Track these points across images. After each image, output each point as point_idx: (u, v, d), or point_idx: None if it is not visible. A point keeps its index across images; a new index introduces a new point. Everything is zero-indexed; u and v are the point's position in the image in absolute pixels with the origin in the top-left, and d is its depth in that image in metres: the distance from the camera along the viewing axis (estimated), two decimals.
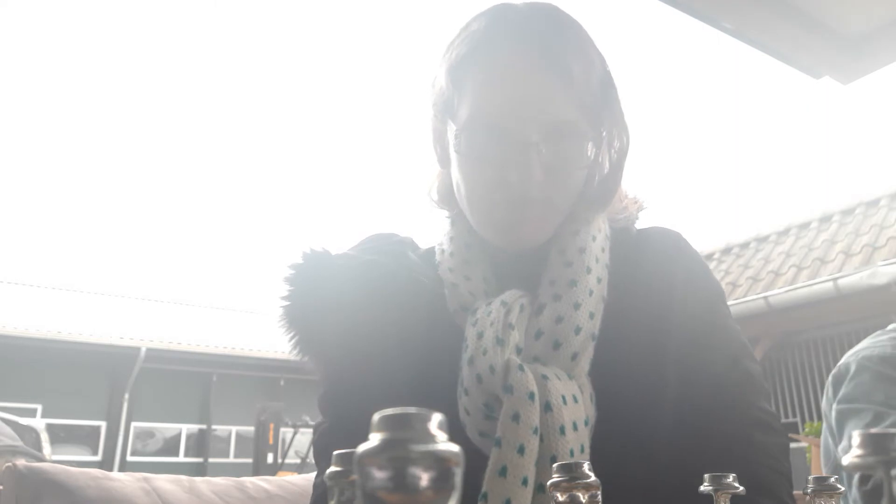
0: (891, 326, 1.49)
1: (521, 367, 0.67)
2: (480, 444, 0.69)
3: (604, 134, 0.77)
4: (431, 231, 0.89)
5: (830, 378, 1.49)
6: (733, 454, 0.70)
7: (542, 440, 0.65)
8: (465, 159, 0.75)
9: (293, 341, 0.78)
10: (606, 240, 0.80)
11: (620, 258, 0.80)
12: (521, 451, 0.63)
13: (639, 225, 0.85)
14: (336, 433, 0.78)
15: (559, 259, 0.76)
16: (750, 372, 0.77)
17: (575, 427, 0.66)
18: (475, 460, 0.66)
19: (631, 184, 0.85)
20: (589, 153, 0.74)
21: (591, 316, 0.72)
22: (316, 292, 0.76)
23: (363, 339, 0.74)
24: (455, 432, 0.68)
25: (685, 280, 0.79)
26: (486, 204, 0.75)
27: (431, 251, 0.85)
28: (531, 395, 0.65)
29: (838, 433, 1.42)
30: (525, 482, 0.62)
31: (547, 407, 0.65)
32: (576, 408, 0.67)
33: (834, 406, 1.43)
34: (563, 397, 0.67)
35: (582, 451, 0.66)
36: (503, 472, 0.63)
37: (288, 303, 0.76)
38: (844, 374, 1.44)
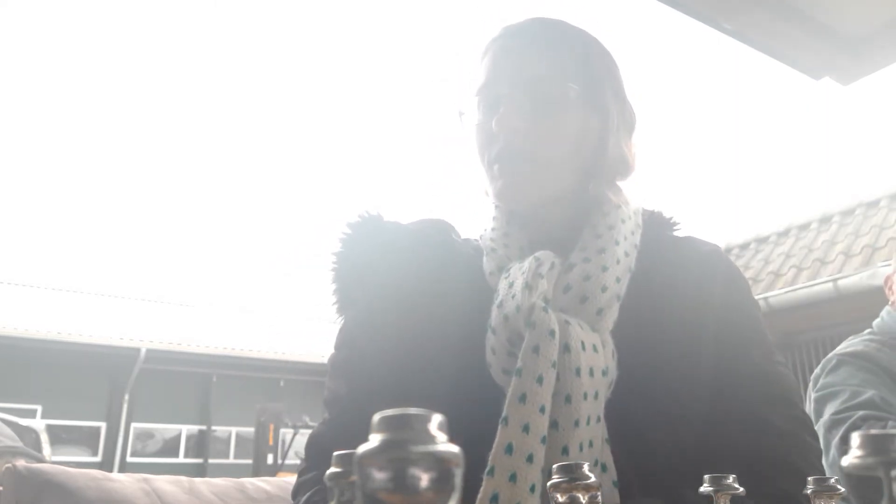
0: (865, 332, 1.61)
1: (544, 309, 0.71)
2: (504, 382, 0.72)
3: (601, 109, 0.82)
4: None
5: (811, 382, 1.55)
6: (782, 450, 0.73)
7: (557, 379, 0.67)
8: (470, 133, 0.84)
9: (335, 297, 0.84)
10: (638, 227, 0.85)
11: (657, 250, 0.84)
12: (540, 381, 0.66)
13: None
14: (348, 400, 0.80)
15: (590, 233, 0.81)
16: (789, 374, 0.81)
17: (591, 373, 0.69)
18: (498, 401, 0.69)
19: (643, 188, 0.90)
20: (578, 122, 0.81)
21: (618, 280, 0.77)
22: (365, 250, 0.84)
23: (401, 298, 0.80)
24: (482, 379, 0.73)
25: (725, 278, 0.83)
26: (488, 162, 0.82)
27: (471, 238, 0.92)
28: (552, 333, 0.69)
29: (815, 419, 1.47)
30: (542, 410, 0.66)
31: (566, 348, 0.69)
32: (595, 356, 0.70)
33: (813, 396, 1.49)
34: (583, 343, 0.70)
35: (596, 397, 0.69)
36: (522, 398, 0.66)
37: (338, 258, 0.84)
38: (824, 369, 1.51)
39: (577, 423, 0.67)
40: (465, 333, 0.76)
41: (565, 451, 0.66)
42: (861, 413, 1.33)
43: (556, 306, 0.74)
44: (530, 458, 0.63)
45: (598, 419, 0.69)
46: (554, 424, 0.66)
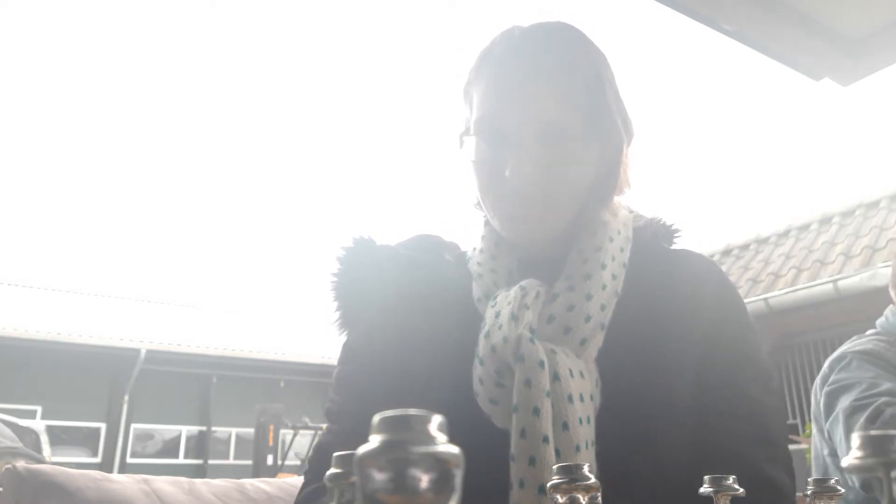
0: (869, 331, 1.62)
1: (531, 340, 0.72)
2: (491, 411, 0.73)
3: (601, 129, 0.81)
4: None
5: (818, 381, 1.54)
6: (760, 492, 0.71)
7: (552, 407, 0.69)
8: (473, 164, 0.82)
9: (337, 314, 0.86)
10: (628, 241, 0.84)
11: (647, 264, 0.83)
12: (537, 412, 0.68)
13: (675, 247, 0.89)
14: (351, 414, 0.82)
15: (577, 257, 0.81)
16: (778, 407, 0.81)
17: (581, 398, 0.70)
18: (486, 430, 0.71)
19: (645, 196, 0.89)
20: (584, 152, 0.79)
21: (603, 308, 0.77)
22: (360, 274, 0.85)
23: (394, 323, 0.82)
24: (470, 407, 0.74)
25: (715, 300, 0.82)
26: (494, 200, 0.81)
27: (466, 254, 0.91)
28: (541, 364, 0.70)
29: (826, 413, 1.46)
30: (546, 440, 0.67)
31: (555, 377, 0.70)
32: (582, 382, 0.72)
33: (824, 390, 1.48)
34: (571, 370, 0.71)
35: (588, 421, 0.70)
36: (523, 433, 0.67)
37: (337, 279, 0.85)
38: (833, 367, 1.50)
39: (577, 449, 0.68)
40: (455, 360, 0.77)
41: None
42: (885, 399, 1.32)
43: (541, 337, 0.74)
44: (542, 489, 0.64)
45: (593, 443, 0.70)
46: (556, 452, 0.67)
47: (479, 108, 0.81)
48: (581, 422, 0.69)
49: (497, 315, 0.76)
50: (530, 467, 0.65)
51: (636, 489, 0.69)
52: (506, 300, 0.76)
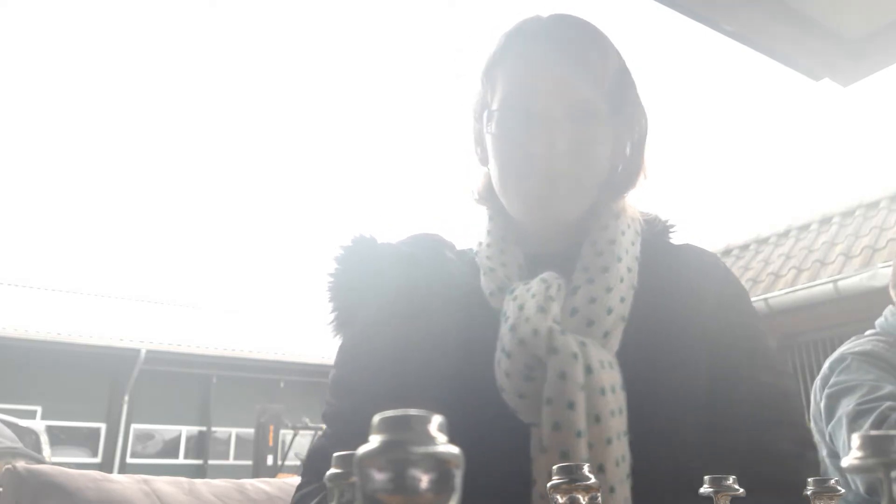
0: (868, 332, 1.62)
1: (563, 332, 0.71)
2: (518, 405, 0.72)
3: (623, 119, 0.82)
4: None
5: (818, 382, 1.54)
6: (786, 469, 0.72)
7: (585, 400, 0.68)
8: (497, 140, 0.81)
9: (332, 316, 0.85)
10: (637, 235, 0.85)
11: (655, 258, 0.84)
12: (571, 406, 0.67)
13: (676, 242, 0.90)
14: (348, 417, 0.81)
15: (591, 250, 0.81)
16: (792, 388, 0.81)
17: (613, 390, 0.70)
18: (511, 424, 0.71)
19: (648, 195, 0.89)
20: (609, 134, 0.80)
21: (622, 300, 0.77)
22: (358, 273, 0.85)
23: (394, 321, 0.81)
24: (489, 401, 0.72)
25: (719, 291, 0.83)
26: (517, 178, 0.80)
27: (468, 250, 0.91)
28: (575, 356, 0.69)
29: (827, 416, 1.46)
30: (579, 434, 0.67)
31: (588, 369, 0.70)
32: (612, 373, 0.72)
33: (825, 392, 1.48)
34: (602, 362, 0.71)
35: (621, 412, 0.70)
36: (557, 427, 0.67)
37: (334, 279, 0.85)
38: (834, 368, 1.50)
39: (609, 441, 0.67)
40: (462, 356, 0.76)
41: (602, 469, 0.66)
42: (889, 403, 1.33)
43: (565, 330, 0.73)
44: None
45: (625, 433, 0.70)
46: (588, 444, 0.67)
47: (506, 85, 0.81)
48: (612, 414, 0.69)
49: (521, 308, 0.74)
50: (562, 461, 0.64)
51: (659, 481, 0.69)
52: (528, 293, 0.75)
